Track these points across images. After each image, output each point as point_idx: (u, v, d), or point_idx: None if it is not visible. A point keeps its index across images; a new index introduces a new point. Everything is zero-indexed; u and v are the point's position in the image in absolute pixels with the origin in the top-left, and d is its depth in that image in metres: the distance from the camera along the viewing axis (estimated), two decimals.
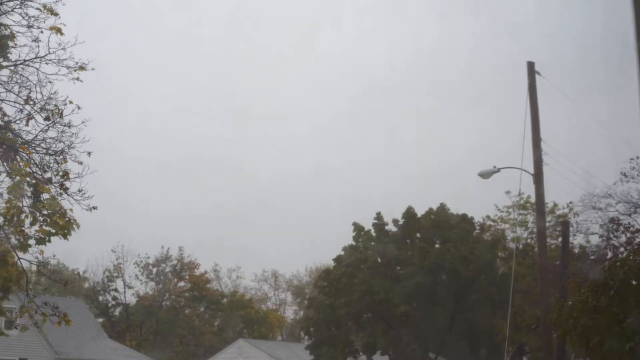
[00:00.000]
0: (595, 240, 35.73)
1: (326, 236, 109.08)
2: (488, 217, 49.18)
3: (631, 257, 12.56)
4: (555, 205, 43.46)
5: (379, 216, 49.38)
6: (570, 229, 31.62)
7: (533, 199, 28.54)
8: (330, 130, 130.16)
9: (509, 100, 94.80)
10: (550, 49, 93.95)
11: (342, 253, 49.34)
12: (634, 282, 12.01)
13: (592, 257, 35.45)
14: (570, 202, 38.75)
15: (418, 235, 48.42)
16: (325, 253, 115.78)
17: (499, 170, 26.12)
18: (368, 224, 49.91)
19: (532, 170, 24.49)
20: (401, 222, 48.47)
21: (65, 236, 14.43)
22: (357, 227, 49.74)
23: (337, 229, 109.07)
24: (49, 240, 14.44)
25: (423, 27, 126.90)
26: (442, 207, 48.72)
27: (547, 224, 38.94)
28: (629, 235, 30.60)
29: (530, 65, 25.07)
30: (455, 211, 48.94)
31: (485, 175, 26.20)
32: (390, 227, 49.19)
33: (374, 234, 49.46)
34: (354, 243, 49.58)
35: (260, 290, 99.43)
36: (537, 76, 24.92)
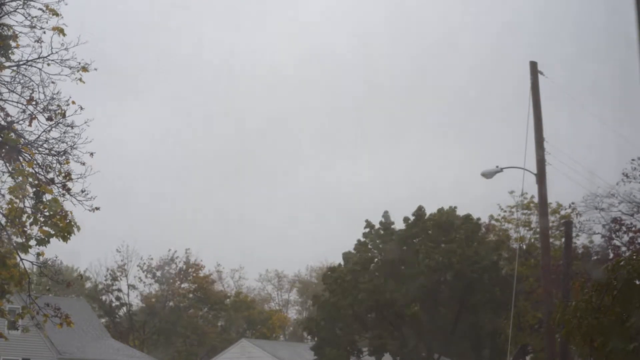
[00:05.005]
0: (597, 240, 35.74)
1: (329, 236, 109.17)
2: (492, 217, 49.12)
3: (635, 257, 12.53)
4: (560, 205, 43.37)
5: (386, 215, 49.30)
6: (573, 229, 31.64)
7: (536, 199, 28.50)
8: (332, 131, 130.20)
9: (511, 100, 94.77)
10: (552, 48, 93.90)
11: (352, 251, 49.14)
12: (637, 282, 11.99)
13: (595, 257, 35.45)
14: (573, 203, 38.75)
15: (423, 235, 48.29)
16: (329, 253, 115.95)
17: (501, 170, 26.14)
18: (366, 224, 49.78)
19: (535, 170, 24.48)
20: (410, 221, 48.28)
21: (64, 238, 14.41)
22: (369, 224, 49.61)
23: (341, 228, 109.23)
24: (48, 242, 14.42)
25: (424, 27, 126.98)
26: (448, 208, 48.66)
27: (551, 224, 38.93)
28: (631, 235, 30.61)
29: (533, 65, 25.06)
30: (458, 211, 48.86)
31: (488, 175, 26.21)
32: (396, 227, 49.07)
33: (382, 232, 49.30)
34: (362, 239, 49.42)
35: (263, 291, 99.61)
36: (539, 76, 24.91)
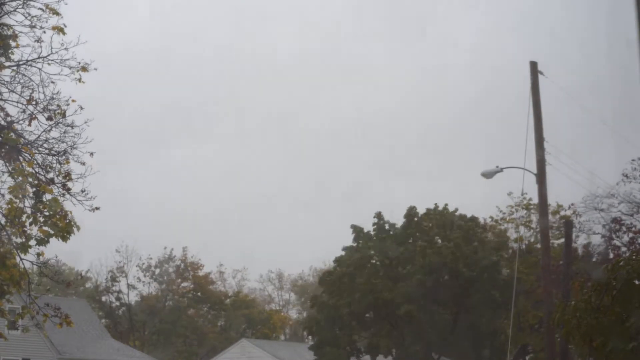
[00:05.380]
0: (597, 240, 35.75)
1: (331, 236, 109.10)
2: (491, 217, 49.15)
3: (634, 257, 12.53)
4: (560, 205, 43.39)
5: (379, 216, 49.12)
6: (573, 229, 31.62)
7: (536, 199, 28.50)
8: (333, 131, 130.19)
9: (512, 100, 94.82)
10: (553, 48, 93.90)
11: (343, 254, 49.07)
12: (637, 282, 11.99)
13: (594, 258, 35.46)
14: (573, 204, 38.74)
15: (419, 234, 48.22)
16: (330, 253, 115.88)
17: (501, 170, 26.15)
18: (370, 224, 49.72)
19: (535, 170, 24.47)
20: (403, 221, 48.26)
21: (64, 238, 14.41)
22: (356, 229, 49.16)
23: (342, 228, 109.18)
24: (48, 241, 14.42)
25: (424, 27, 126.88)
26: (444, 208, 48.58)
27: (551, 225, 38.95)
28: (631, 235, 30.59)
29: (533, 65, 25.06)
30: (458, 212, 48.77)
31: (488, 175, 26.22)
32: (392, 227, 48.96)
33: (372, 234, 49.07)
34: (353, 244, 49.18)
35: (264, 291, 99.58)
36: (539, 76, 24.91)
